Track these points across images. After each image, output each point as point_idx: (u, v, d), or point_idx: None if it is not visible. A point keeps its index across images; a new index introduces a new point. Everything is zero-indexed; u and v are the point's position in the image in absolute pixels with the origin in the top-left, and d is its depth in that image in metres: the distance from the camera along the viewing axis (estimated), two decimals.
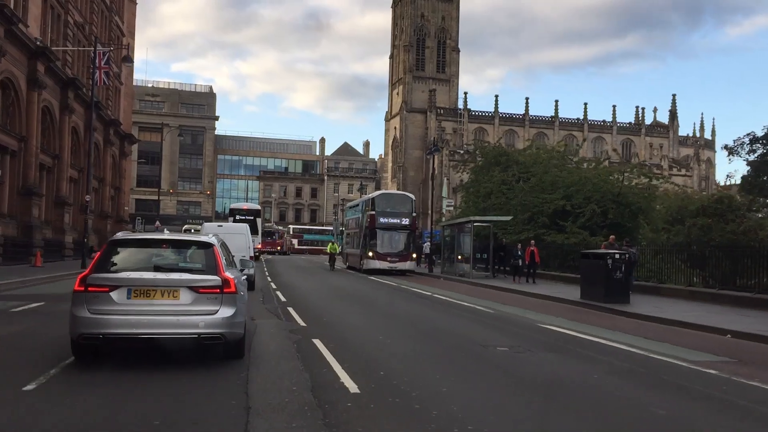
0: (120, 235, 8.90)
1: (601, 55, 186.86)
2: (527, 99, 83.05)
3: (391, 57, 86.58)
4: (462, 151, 71.34)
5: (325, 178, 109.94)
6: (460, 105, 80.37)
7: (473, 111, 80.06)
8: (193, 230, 72.16)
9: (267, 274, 31.29)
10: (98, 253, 8.37)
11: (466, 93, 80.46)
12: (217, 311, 7.68)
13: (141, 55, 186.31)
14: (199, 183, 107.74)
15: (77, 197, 44.33)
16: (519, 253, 27.23)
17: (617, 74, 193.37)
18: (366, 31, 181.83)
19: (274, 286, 23.30)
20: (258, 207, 55.90)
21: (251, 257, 21.52)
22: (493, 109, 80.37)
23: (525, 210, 36.31)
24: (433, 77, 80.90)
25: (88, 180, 32.93)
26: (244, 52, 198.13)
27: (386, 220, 35.18)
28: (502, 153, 46.39)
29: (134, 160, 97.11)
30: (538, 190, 38.24)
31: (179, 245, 8.68)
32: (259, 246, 52.58)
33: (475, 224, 29.93)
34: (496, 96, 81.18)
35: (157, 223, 55.93)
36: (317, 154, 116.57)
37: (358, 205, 40.88)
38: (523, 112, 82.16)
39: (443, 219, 35.68)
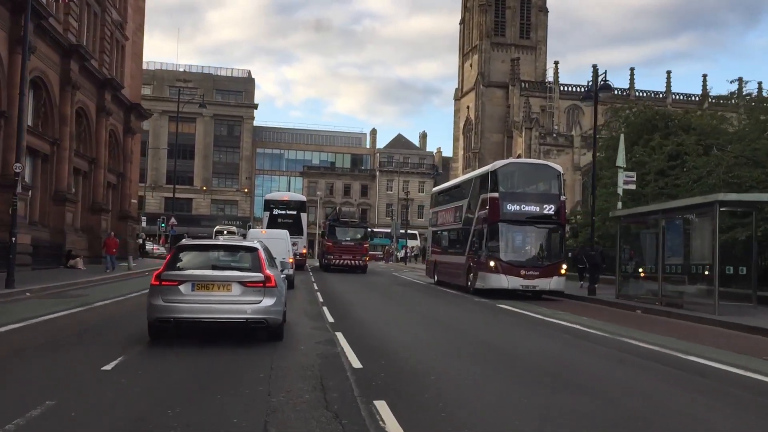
0: (184, 241, 11.77)
1: (653, 56, 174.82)
2: (632, 70, 67.28)
3: (462, 22, 71.80)
4: (555, 134, 56.92)
5: (377, 173, 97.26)
6: (549, 77, 65.44)
7: (565, 85, 64.89)
8: (226, 231, 60.10)
9: (327, 314, 16.41)
10: (168, 255, 11.07)
11: (556, 62, 65.45)
12: (261, 301, 9.40)
13: (186, 60, 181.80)
14: (235, 180, 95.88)
15: (49, 181, 31.18)
16: None
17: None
18: (412, 34, 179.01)
19: (354, 363, 8.56)
20: (302, 198, 42.19)
21: (290, 259, 22.72)
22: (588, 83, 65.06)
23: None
24: (515, 44, 65.97)
25: (19, 133, 19.38)
26: (290, 58, 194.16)
27: (517, 208, 21.02)
28: (659, 116, 31.82)
29: (163, 149, 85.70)
30: (742, 162, 23.80)
31: (231, 249, 10.70)
32: (304, 251, 38.87)
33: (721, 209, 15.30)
34: (594, 65, 65.59)
35: (173, 220, 42.99)
36: (367, 147, 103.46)
37: (458, 186, 26.59)
38: (627, 86, 66.79)
39: (618, 204, 21.20)
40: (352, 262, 36.04)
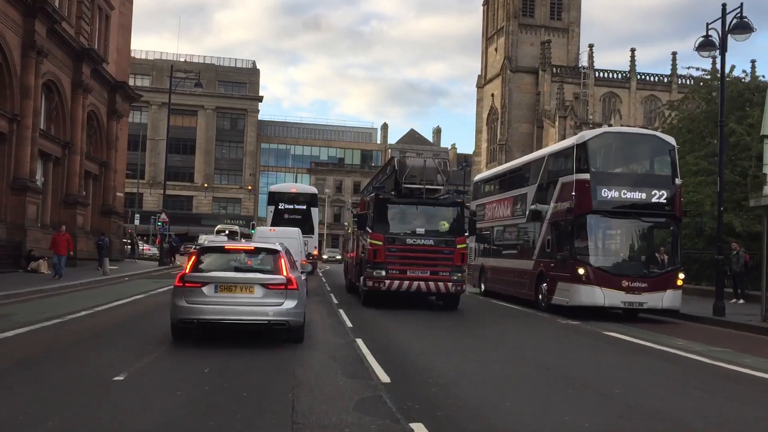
0: (207, 243, 12.81)
1: (661, 57, 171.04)
2: (674, 54, 60.93)
3: (485, 2, 65.43)
4: (591, 124, 51.12)
5: None
6: (583, 62, 59.38)
7: (600, 71, 58.44)
8: (227, 231, 55.17)
9: (371, 362, 8.34)
10: (192, 256, 10.23)
11: (591, 46, 59.13)
12: (282, 303, 9.32)
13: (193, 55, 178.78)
14: (238, 176, 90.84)
15: (6, 166, 25.63)
16: None
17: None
18: (420, 35, 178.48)
19: None
20: (312, 190, 36.35)
21: (302, 261, 19.10)
22: (628, 69, 58.85)
23: None
24: (545, 25, 59.77)
25: None
26: (297, 59, 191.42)
27: (616, 194, 15.34)
28: (750, 89, 26.20)
29: (159, 139, 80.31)
30: None
31: (253, 251, 10.41)
32: (315, 252, 33.22)
33: None
34: (633, 49, 57.67)
35: (163, 215, 37.45)
36: (378, 142, 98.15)
37: (519, 170, 20.56)
38: (669, 72, 60.66)
39: (766, 189, 15.37)
40: (432, 285, 16.01)
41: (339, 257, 53.00)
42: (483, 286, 22.45)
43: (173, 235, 38.22)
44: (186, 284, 9.31)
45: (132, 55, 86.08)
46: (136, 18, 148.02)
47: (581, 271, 15.04)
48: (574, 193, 15.46)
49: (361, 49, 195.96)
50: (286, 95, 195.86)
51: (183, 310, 9.23)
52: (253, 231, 33.36)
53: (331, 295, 20.21)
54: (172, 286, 9.69)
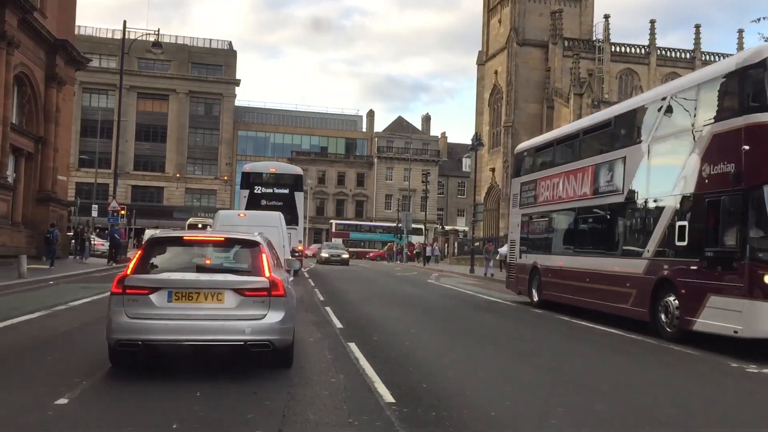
0: (159, 233, 8.58)
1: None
2: (698, 27, 54.53)
3: None
4: (609, 103, 45.35)
5: (375, 160, 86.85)
6: (598, 35, 52.99)
7: (617, 44, 52.06)
8: (200, 225, 49.16)
9: None
10: (139, 252, 7.62)
11: (607, 16, 52.69)
12: (264, 316, 6.85)
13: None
14: (214, 166, 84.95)
15: None
16: None
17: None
18: (402, 30, 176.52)
19: None
20: (296, 170, 29.86)
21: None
22: (647, 43, 52.61)
23: None
24: None
25: None
26: (278, 53, 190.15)
27: None
28: None
29: (123, 120, 73.30)
30: None
31: (223, 244, 7.87)
32: (300, 247, 26.88)
33: None
34: (653, 21, 51.24)
35: (113, 204, 30.76)
36: (364, 131, 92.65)
37: (607, 125, 14.02)
38: (692, 47, 54.59)
39: None
40: None
41: (345, 255, 42.88)
42: (537, 296, 16.19)
43: (116, 227, 31.28)
44: (127, 291, 6.77)
45: (96, 33, 79.87)
46: (112, 11, 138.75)
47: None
48: (745, 148, 9.19)
49: (342, 44, 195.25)
50: (265, 89, 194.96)
51: (122, 328, 6.69)
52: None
53: (327, 308, 13.99)
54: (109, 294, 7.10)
